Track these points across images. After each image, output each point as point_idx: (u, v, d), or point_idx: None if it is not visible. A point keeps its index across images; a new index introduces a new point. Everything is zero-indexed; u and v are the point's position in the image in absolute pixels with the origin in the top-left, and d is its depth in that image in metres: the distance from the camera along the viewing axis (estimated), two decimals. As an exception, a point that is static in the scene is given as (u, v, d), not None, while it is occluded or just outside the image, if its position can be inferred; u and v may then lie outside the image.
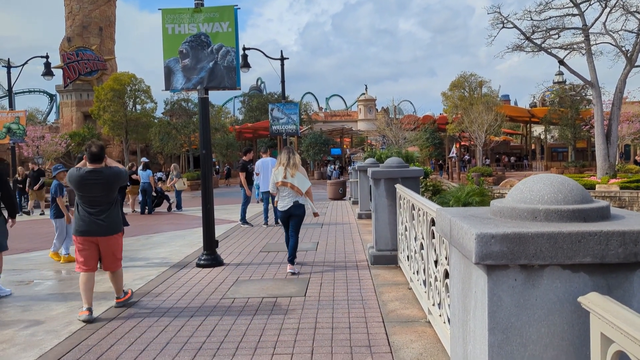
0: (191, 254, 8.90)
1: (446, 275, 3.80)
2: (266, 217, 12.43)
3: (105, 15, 42.33)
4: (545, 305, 1.79)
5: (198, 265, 7.72)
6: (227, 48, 7.75)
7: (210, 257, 7.80)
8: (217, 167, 47.36)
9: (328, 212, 14.85)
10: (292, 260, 7.18)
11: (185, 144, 41.06)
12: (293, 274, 7.00)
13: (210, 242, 7.89)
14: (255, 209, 15.73)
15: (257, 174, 12.36)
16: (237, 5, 7.79)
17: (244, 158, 12.74)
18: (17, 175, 18.87)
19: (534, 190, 1.97)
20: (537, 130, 54.87)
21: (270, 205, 12.39)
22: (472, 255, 1.79)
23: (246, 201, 12.54)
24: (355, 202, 16.82)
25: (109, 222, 5.50)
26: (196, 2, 7.79)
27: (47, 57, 20.49)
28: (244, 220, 12.48)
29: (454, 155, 40.90)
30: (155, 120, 41.03)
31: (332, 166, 46.53)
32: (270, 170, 12.09)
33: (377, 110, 76.85)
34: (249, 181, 12.51)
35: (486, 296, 1.83)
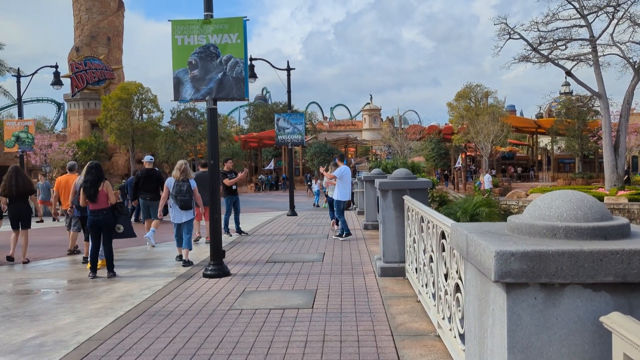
0: (198, 264, 8.88)
1: (457, 289, 3.76)
2: (347, 229, 11.48)
3: (114, 25, 42.72)
4: (566, 324, 1.77)
5: (205, 276, 7.70)
6: (235, 59, 7.78)
7: (217, 267, 7.77)
8: None
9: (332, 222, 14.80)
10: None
11: (191, 152, 41.23)
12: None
13: (217, 252, 7.87)
14: (264, 218, 15.71)
15: (336, 179, 11.70)
16: (246, 17, 7.84)
17: (224, 168, 12.19)
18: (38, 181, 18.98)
19: (552, 207, 1.95)
20: (544, 141, 54.74)
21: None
22: (491, 273, 1.77)
23: (228, 211, 12.29)
24: (360, 212, 16.77)
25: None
26: (206, 13, 7.83)
27: (56, 66, 20.64)
28: (226, 229, 12.16)
29: (460, 165, 40.87)
30: (162, 129, 41.24)
31: None
32: (350, 178, 11.84)
33: (382, 120, 76.99)
34: (229, 191, 12.16)
35: (505, 314, 1.80)
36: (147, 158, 12.16)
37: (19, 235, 9.84)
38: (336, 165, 12.71)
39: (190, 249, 9.15)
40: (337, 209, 11.66)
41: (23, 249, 9.69)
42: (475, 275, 2.17)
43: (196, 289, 6.95)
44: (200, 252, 10.09)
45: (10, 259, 9.61)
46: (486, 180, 29.16)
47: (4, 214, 10.75)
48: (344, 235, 11.27)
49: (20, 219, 9.81)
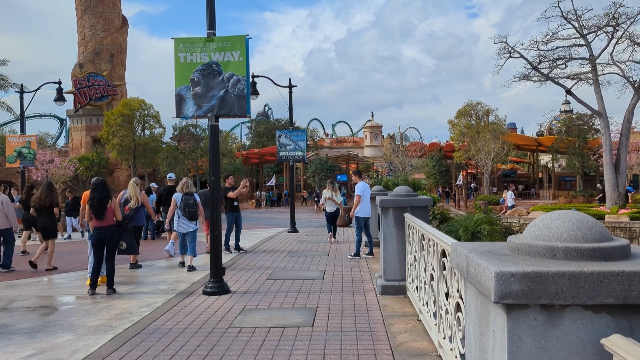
0: (197, 280, 8.84)
1: (458, 308, 3.74)
2: (371, 247, 11.43)
3: (117, 42, 43.12)
4: (567, 346, 1.75)
5: (205, 293, 7.66)
6: (237, 77, 7.84)
7: (217, 284, 7.74)
8: None
9: (334, 240, 14.75)
10: (335, 235, 14.17)
11: (192, 168, 41.28)
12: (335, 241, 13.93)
13: (217, 270, 7.83)
14: (264, 234, 15.64)
15: (359, 196, 11.43)
16: (248, 35, 7.91)
17: (226, 184, 12.32)
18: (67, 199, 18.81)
19: (552, 228, 1.95)
20: (545, 158, 54.79)
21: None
22: (491, 293, 1.76)
23: (229, 227, 12.32)
24: (362, 230, 16.70)
25: None
26: (208, 31, 7.91)
27: (59, 83, 20.76)
28: (227, 246, 12.18)
29: (461, 183, 40.84)
30: (163, 145, 41.35)
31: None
32: (369, 194, 11.70)
33: (383, 136, 77.22)
34: (231, 207, 12.21)
35: (505, 336, 1.79)
36: (169, 176, 13.82)
37: (47, 245, 10.77)
38: (332, 184, 14.15)
39: (195, 256, 10.30)
40: (357, 226, 11.52)
41: (49, 257, 10.54)
42: (476, 295, 2.16)
43: (195, 307, 6.91)
44: (200, 269, 10.05)
45: (33, 265, 10.45)
46: (509, 197, 28.80)
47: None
48: (360, 254, 11.17)
49: (47, 230, 10.74)
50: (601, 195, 33.20)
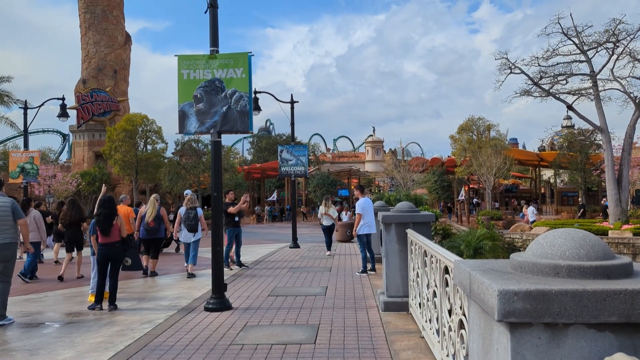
0: (199, 297, 8.82)
1: (461, 325, 3.72)
2: (373, 263, 11.41)
3: (120, 58, 43.43)
4: (571, 365, 1.75)
5: (206, 309, 7.64)
6: (240, 93, 7.90)
7: (219, 300, 7.72)
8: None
9: (336, 255, 14.73)
10: (330, 248, 15.18)
11: (194, 183, 41.30)
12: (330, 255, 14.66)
13: (218, 286, 7.82)
14: (266, 250, 15.61)
15: (360, 214, 11.30)
16: (251, 52, 7.99)
17: (227, 199, 12.43)
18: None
19: (555, 245, 1.96)
20: (547, 174, 54.74)
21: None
22: (495, 312, 1.76)
23: (229, 243, 12.26)
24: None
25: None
26: (211, 48, 7.99)
27: (63, 99, 20.91)
28: (226, 262, 12.02)
29: (463, 198, 40.79)
30: (165, 160, 41.43)
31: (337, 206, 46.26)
32: (373, 211, 11.58)
33: (384, 151, 77.36)
34: (232, 223, 12.19)
35: (509, 354, 1.79)
36: (186, 192, 14.63)
37: (71, 257, 11.67)
38: (327, 200, 15.45)
39: (195, 264, 11.41)
40: (360, 242, 11.46)
41: (77, 266, 11.67)
42: (479, 313, 2.16)
43: (197, 323, 6.88)
44: (203, 284, 10.02)
45: (61, 278, 11.12)
46: (530, 212, 28.17)
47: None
48: (367, 270, 11.14)
49: (75, 244, 11.72)
50: (582, 211, 33.24)
